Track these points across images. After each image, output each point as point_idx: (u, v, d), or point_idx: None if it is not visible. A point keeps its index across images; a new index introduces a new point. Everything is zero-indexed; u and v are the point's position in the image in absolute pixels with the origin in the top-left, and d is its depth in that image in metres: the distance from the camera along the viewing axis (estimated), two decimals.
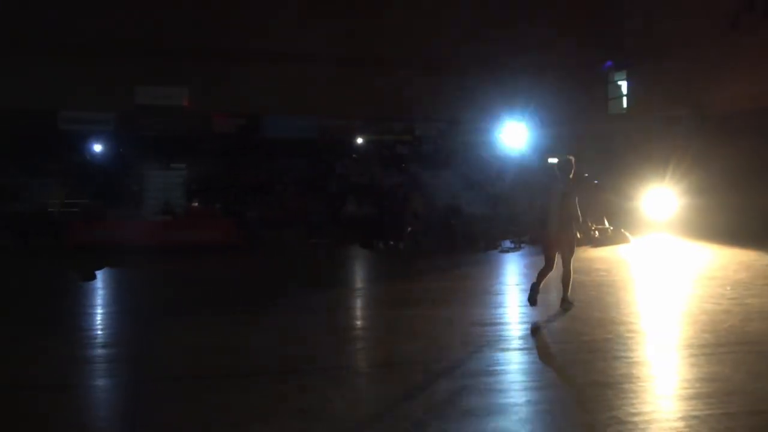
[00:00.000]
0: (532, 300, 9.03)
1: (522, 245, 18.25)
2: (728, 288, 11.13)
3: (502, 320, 9.13)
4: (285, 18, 23.69)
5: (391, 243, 18.55)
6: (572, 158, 9.18)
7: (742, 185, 19.77)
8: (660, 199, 18.98)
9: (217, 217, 19.91)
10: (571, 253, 9.08)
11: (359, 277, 14.80)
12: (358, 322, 9.66)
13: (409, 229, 18.92)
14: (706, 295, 10.51)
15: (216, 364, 6.82)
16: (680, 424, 5.04)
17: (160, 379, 6.42)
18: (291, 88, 23.45)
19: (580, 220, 9.13)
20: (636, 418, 5.15)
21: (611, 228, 19.20)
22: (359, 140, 26.26)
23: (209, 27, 23.13)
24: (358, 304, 11.15)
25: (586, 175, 24.10)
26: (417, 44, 24.56)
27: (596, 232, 19.21)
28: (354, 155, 26.16)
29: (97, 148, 24.66)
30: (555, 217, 8.94)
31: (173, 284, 12.71)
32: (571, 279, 9.15)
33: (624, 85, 26.82)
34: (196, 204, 21.31)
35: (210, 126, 24.65)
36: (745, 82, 19.40)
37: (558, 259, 9.07)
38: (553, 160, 25.08)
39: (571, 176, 9.13)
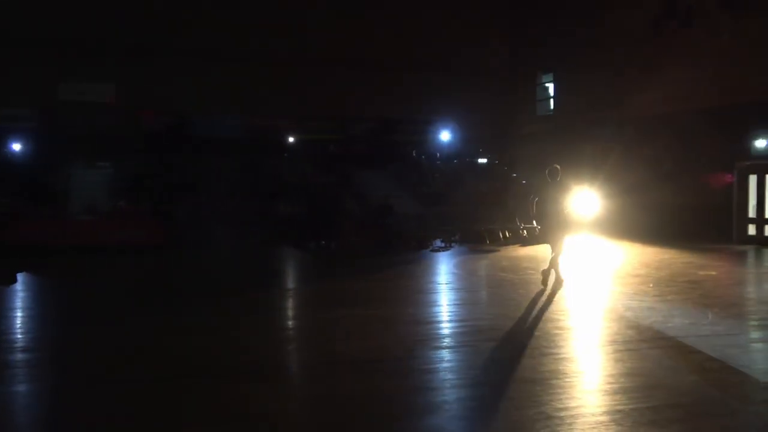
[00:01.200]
0: (545, 282, 11.05)
1: (453, 244, 18.46)
2: (651, 285, 11.51)
3: (434, 319, 9.20)
4: (214, 16, 23.37)
5: (323, 243, 18.50)
6: (558, 167, 11.04)
7: (662, 186, 20.46)
8: (586, 200, 19.43)
9: (143, 216, 19.46)
10: (562, 243, 10.95)
11: (291, 278, 14.70)
12: (290, 323, 9.59)
13: (342, 229, 18.90)
14: (630, 292, 10.83)
15: (141, 367, 6.68)
16: (605, 418, 5.17)
17: (83, 384, 6.24)
18: (221, 87, 23.12)
19: (565, 217, 10.93)
20: (563, 413, 5.26)
21: (539, 227, 19.57)
22: (291, 139, 26.08)
23: (138, 23, 22.63)
24: (290, 304, 11.07)
25: (515, 175, 24.60)
26: (348, 43, 24.56)
27: (525, 232, 19.60)
28: (285, 154, 25.95)
29: (17, 146, 23.77)
30: (548, 216, 10.91)
31: (98, 285, 12.38)
32: (559, 259, 11.00)
33: (551, 87, 27.37)
34: (123, 203, 20.79)
35: (137, 123, 24.06)
36: (665, 86, 20.04)
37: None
38: (482, 161, 25.53)
39: (558, 180, 10.98)
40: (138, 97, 22.82)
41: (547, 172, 11.24)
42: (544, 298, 10.41)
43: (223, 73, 23.16)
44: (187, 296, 11.01)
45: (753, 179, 18.68)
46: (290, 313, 10.38)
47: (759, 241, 18.21)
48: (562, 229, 11.05)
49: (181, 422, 5.22)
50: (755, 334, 8.39)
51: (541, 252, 16.81)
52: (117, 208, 20.01)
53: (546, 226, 11.41)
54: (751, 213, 18.76)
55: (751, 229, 18.69)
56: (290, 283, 13.93)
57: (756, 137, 18.12)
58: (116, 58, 22.29)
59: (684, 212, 19.59)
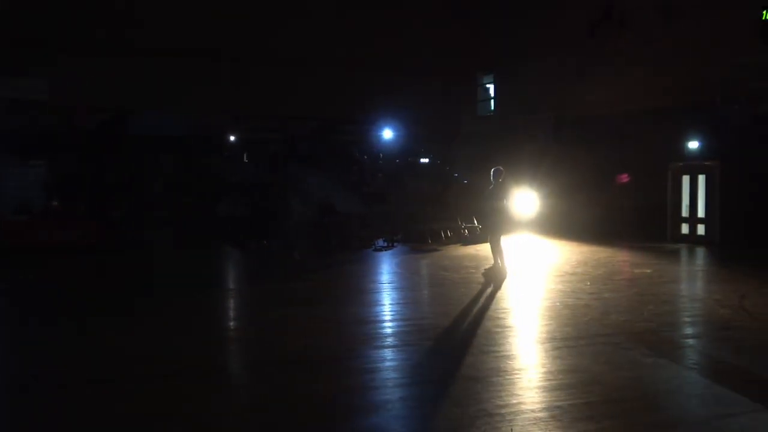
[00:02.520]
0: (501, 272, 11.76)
1: (395, 244, 18.51)
2: (588, 283, 11.75)
3: (376, 318, 9.21)
4: (154, 11, 22.95)
5: (265, 243, 18.35)
6: (502, 168, 11.79)
7: (598, 186, 20.90)
8: (526, 199, 19.69)
9: (77, 216, 18.99)
10: (501, 236, 11.85)
11: (232, 278, 14.54)
12: (232, 324, 9.48)
13: (284, 228, 18.77)
14: (568, 290, 11.03)
15: (77, 370, 6.52)
16: (544, 414, 5.25)
17: (16, 388, 6.06)
18: (161, 84, 22.74)
19: (506, 215, 11.93)
20: (503, 410, 5.33)
21: (480, 227, 19.81)
22: (232, 138, 25.79)
23: (74, 18, 22.07)
24: (231, 305, 10.95)
25: (456, 175, 24.83)
26: (291, 43, 24.41)
27: (466, 231, 19.78)
28: (227, 154, 25.66)
29: None
30: (491, 214, 11.76)
31: (28, 287, 12.04)
32: (503, 254, 11.85)
33: (492, 88, 27.68)
34: (56, 203, 20.25)
35: (72, 121, 23.46)
36: (602, 88, 20.47)
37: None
38: (424, 161, 25.65)
39: (500, 180, 11.74)
40: (74, 93, 22.26)
41: (491, 172, 11.89)
42: (484, 296, 10.52)
43: (163, 69, 22.78)
44: (124, 298, 10.78)
45: (686, 179, 19.22)
46: (231, 313, 10.26)
47: (692, 239, 18.75)
48: (504, 228, 11.90)
49: (120, 424, 5.10)
50: (688, 330, 8.63)
51: (481, 251, 17.00)
52: (50, 208, 19.50)
53: (489, 225, 12.09)
54: (684, 212, 19.31)
55: (685, 228, 19.23)
56: (231, 283, 13.78)
57: (689, 139, 18.64)
58: (50, 53, 21.71)
59: (620, 212, 20.05)
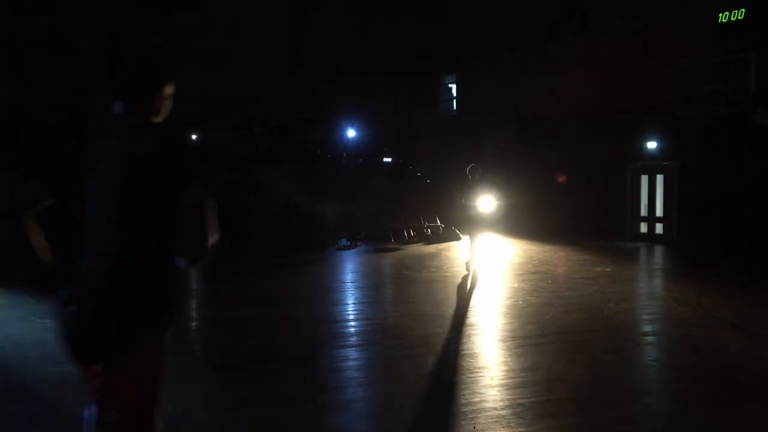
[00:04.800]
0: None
1: (358, 243, 18.48)
2: (549, 282, 11.85)
3: (339, 318, 9.18)
4: (113, 8, 22.63)
5: (227, 242, 18.17)
6: (478, 166, 12.21)
7: (558, 186, 21.12)
8: (487, 199, 19.83)
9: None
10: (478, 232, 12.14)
11: (191, 277, 14.36)
12: (192, 324, 9.36)
13: (245, 228, 18.64)
14: (530, 289, 11.11)
15: (38, 369, 6.38)
16: (507, 412, 5.26)
17: None
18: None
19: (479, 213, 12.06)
20: (466, 408, 5.33)
21: (443, 226, 19.88)
22: (193, 137, 25.52)
23: (26, 10, 21.66)
24: (192, 305, 10.81)
25: (419, 174, 24.87)
26: (253, 41, 24.24)
27: (429, 230, 19.84)
28: (187, 152, 25.34)
29: None
30: (465, 208, 11.95)
31: None
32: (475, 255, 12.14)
33: (454, 88, 27.81)
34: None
35: (26, 119, 23.00)
36: (562, 89, 20.67)
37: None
38: (387, 160, 25.64)
39: (477, 177, 12.09)
40: (29, 90, 21.83)
41: (468, 169, 12.31)
42: (447, 295, 10.54)
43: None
44: None
45: (645, 179, 19.50)
46: (192, 313, 10.14)
47: (650, 238, 19.03)
48: (478, 224, 12.21)
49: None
50: (647, 328, 8.74)
51: (444, 250, 17.07)
52: None
53: (465, 222, 12.46)
54: (643, 212, 19.59)
55: (643, 227, 19.51)
56: (191, 283, 13.60)
57: (647, 139, 18.92)
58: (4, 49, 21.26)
59: (580, 211, 20.28)
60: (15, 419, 5.24)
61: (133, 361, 2.59)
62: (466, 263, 12.54)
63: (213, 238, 2.66)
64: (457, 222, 12.73)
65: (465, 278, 11.89)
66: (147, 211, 2.55)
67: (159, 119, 2.78)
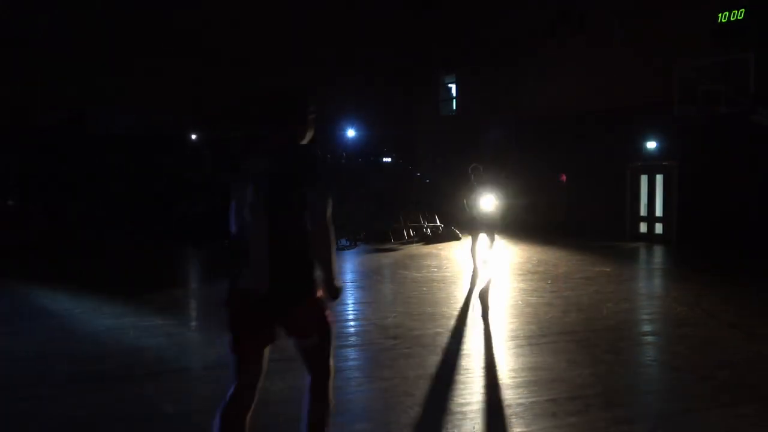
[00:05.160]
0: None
1: (358, 243, 18.48)
2: (549, 282, 11.86)
3: (338, 318, 9.17)
4: (115, 8, 22.64)
5: (225, 242, 18.14)
6: (480, 166, 11.91)
7: (558, 186, 21.13)
8: (490, 199, 19.83)
9: (33, 215, 18.61)
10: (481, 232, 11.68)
11: (191, 278, 14.38)
12: (193, 324, 9.37)
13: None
14: (529, 288, 11.13)
15: (33, 372, 6.39)
16: (507, 411, 5.27)
17: None
18: (120, 81, 22.42)
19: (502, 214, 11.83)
20: (466, 408, 5.34)
21: (442, 226, 19.89)
22: (192, 137, 25.49)
23: (30, 11, 21.67)
24: (191, 305, 10.83)
25: (418, 174, 24.87)
26: (252, 41, 24.25)
27: (428, 230, 19.84)
28: (187, 152, 25.36)
29: None
30: (472, 208, 11.63)
31: None
32: (476, 255, 11.71)
33: (454, 88, 27.81)
34: (11, 202, 19.83)
35: (27, 119, 22.99)
36: (562, 89, 20.68)
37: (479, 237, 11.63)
38: (387, 160, 25.66)
39: (480, 178, 11.73)
40: (29, 90, 21.84)
41: (470, 170, 12.06)
42: (446, 295, 10.56)
43: (123, 67, 22.47)
44: (80, 298, 10.58)
45: (644, 179, 19.51)
46: (191, 313, 10.15)
47: (650, 238, 19.03)
48: (482, 225, 11.82)
49: (84, 426, 5.01)
50: (646, 328, 8.75)
51: (443, 250, 17.07)
52: (4, 206, 19.10)
53: (468, 222, 12.07)
54: (643, 212, 19.59)
55: (643, 227, 19.52)
56: (191, 283, 13.62)
57: (647, 139, 18.92)
58: (4, 50, 21.26)
59: (579, 211, 20.30)
60: None
61: (305, 312, 3.68)
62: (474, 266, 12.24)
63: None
64: (461, 222, 12.47)
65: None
66: (289, 206, 3.52)
67: (304, 142, 3.73)
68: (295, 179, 3.52)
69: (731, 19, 16.33)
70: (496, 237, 12.12)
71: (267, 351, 3.80)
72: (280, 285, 3.53)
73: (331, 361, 3.84)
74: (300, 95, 3.83)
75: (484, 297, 9.62)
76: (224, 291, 3.65)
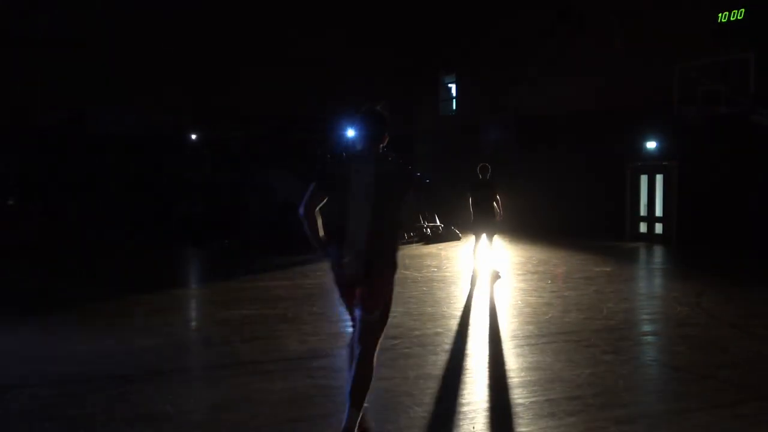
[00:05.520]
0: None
1: None
2: (549, 281, 11.86)
3: (338, 318, 9.17)
4: (113, 9, 22.64)
5: (226, 242, 18.18)
6: (488, 165, 12.24)
7: (558, 185, 21.12)
8: (496, 198, 19.83)
9: (34, 214, 18.63)
10: (494, 231, 12.16)
11: (192, 277, 14.38)
12: (193, 324, 9.37)
13: (244, 227, 18.64)
14: (529, 288, 11.12)
15: (36, 372, 6.38)
16: (506, 411, 5.27)
17: None
18: (119, 81, 22.44)
19: (499, 207, 11.98)
20: (466, 408, 5.34)
21: (442, 226, 19.88)
22: (193, 137, 25.52)
23: (32, 13, 21.66)
24: (192, 304, 10.82)
25: (419, 174, 24.85)
26: (251, 41, 24.25)
27: (428, 230, 19.82)
28: (188, 152, 25.38)
29: None
30: (480, 211, 11.90)
31: None
32: (477, 255, 11.98)
33: (454, 88, 27.81)
34: (12, 202, 19.84)
35: (27, 119, 23.00)
36: (562, 89, 20.67)
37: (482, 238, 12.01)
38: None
39: (488, 177, 12.11)
40: (30, 90, 21.84)
41: (478, 168, 12.24)
42: (446, 295, 10.55)
43: (123, 68, 22.48)
44: (80, 297, 10.58)
45: (644, 179, 19.50)
46: (192, 313, 10.15)
47: (649, 238, 19.03)
48: (487, 225, 12.01)
49: (89, 426, 5.00)
50: (647, 327, 8.75)
51: (443, 250, 17.07)
52: (5, 205, 19.13)
53: (473, 222, 12.14)
54: (643, 211, 19.59)
55: (643, 227, 19.52)
56: (191, 282, 13.62)
57: (647, 139, 18.92)
58: (5, 50, 21.26)
59: (579, 211, 20.28)
60: None
61: (381, 284, 4.48)
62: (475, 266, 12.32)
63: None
64: (467, 221, 12.46)
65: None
66: (387, 203, 4.40)
67: (386, 151, 4.63)
68: (395, 179, 4.46)
69: (731, 19, 16.32)
70: (496, 237, 12.20)
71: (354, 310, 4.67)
72: (370, 262, 4.38)
73: (381, 339, 4.72)
74: (387, 114, 4.69)
75: (493, 275, 11.25)
76: (330, 259, 4.58)
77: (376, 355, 4.63)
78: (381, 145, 4.62)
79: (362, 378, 4.52)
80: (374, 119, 4.63)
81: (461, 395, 5.66)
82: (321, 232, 4.59)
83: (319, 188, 4.54)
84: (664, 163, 18.73)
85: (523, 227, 20.08)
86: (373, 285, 4.43)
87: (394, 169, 4.53)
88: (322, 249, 4.63)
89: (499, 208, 12.06)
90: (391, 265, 4.51)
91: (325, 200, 4.54)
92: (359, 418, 4.48)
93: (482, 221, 12.03)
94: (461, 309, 9.41)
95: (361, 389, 4.49)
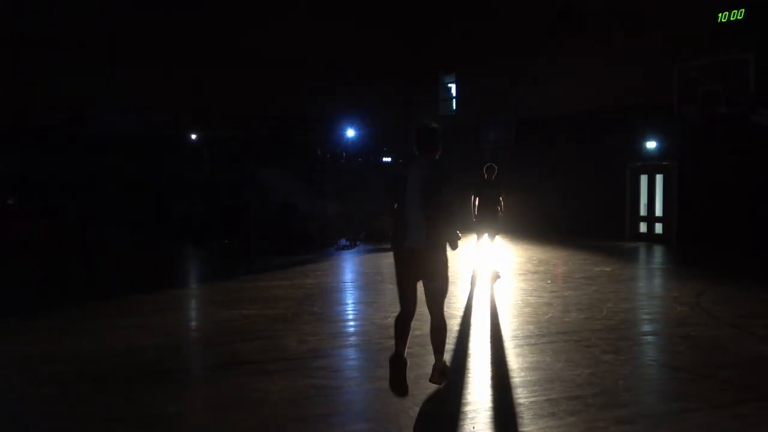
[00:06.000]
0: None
1: (358, 243, 18.47)
2: (549, 281, 11.86)
3: (339, 317, 9.18)
4: (112, 9, 22.63)
5: (226, 242, 18.18)
6: (494, 165, 12.23)
7: (558, 185, 21.12)
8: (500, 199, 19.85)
9: (33, 214, 18.61)
10: (496, 232, 12.31)
11: (191, 277, 14.38)
12: (192, 323, 9.37)
13: (244, 227, 18.63)
14: (529, 288, 11.12)
15: (36, 371, 6.38)
16: (506, 411, 5.27)
17: None
18: (119, 81, 22.43)
19: (501, 209, 12.10)
20: (465, 408, 5.34)
21: (476, 221, 19.84)
22: (193, 137, 25.49)
23: (31, 13, 21.67)
24: (191, 304, 10.82)
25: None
26: (251, 41, 24.24)
27: None
28: (187, 152, 25.35)
29: None
30: (484, 210, 11.95)
31: None
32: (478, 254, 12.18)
33: (453, 88, 27.80)
34: (11, 202, 19.82)
35: (27, 118, 22.97)
36: (562, 89, 20.67)
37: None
38: (387, 160, 25.67)
39: (493, 178, 12.07)
40: (28, 90, 21.83)
41: (484, 168, 12.18)
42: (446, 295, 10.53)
43: (122, 68, 22.47)
44: (80, 297, 10.58)
45: (644, 179, 19.51)
46: (191, 313, 10.14)
47: (649, 238, 19.04)
48: (495, 219, 12.11)
49: (89, 426, 5.00)
50: (646, 327, 8.75)
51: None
52: (5, 205, 19.11)
53: (481, 221, 12.13)
54: (643, 211, 19.59)
55: (643, 227, 19.53)
56: (191, 282, 13.61)
57: (647, 139, 18.92)
58: (5, 50, 21.25)
59: (579, 211, 20.28)
60: None
61: (436, 257, 5.62)
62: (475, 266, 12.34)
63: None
64: (468, 221, 12.46)
65: (492, 278, 11.93)
66: (435, 198, 5.51)
67: (436, 158, 5.74)
68: (438, 179, 5.54)
69: (731, 19, 16.33)
70: (497, 237, 12.21)
71: (417, 286, 5.75)
72: (427, 243, 5.53)
73: (444, 302, 5.88)
74: (440, 130, 5.84)
75: (493, 275, 11.44)
76: (392, 246, 5.75)
77: (443, 317, 5.86)
78: (436, 154, 5.74)
79: (439, 331, 5.83)
80: (429, 134, 5.76)
81: (461, 395, 5.66)
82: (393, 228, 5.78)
83: (387, 191, 5.88)
84: (664, 163, 18.74)
85: (523, 227, 20.09)
86: (430, 258, 5.53)
87: (436, 170, 5.60)
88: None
89: (501, 207, 12.12)
90: (442, 243, 5.59)
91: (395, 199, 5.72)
92: (443, 362, 5.85)
93: (485, 221, 12.04)
94: (461, 309, 9.41)
95: (440, 340, 5.83)
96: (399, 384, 5.48)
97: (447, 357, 6.85)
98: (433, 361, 5.88)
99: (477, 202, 12.06)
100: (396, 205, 5.72)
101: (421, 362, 6.63)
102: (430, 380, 5.76)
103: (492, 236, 12.26)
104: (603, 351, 7.13)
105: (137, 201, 20.59)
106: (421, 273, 5.64)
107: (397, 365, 5.52)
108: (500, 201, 12.13)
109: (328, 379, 6.23)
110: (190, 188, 21.60)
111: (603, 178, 19.98)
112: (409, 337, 5.72)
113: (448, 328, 8.02)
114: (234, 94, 23.89)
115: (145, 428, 5.01)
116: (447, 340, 7.44)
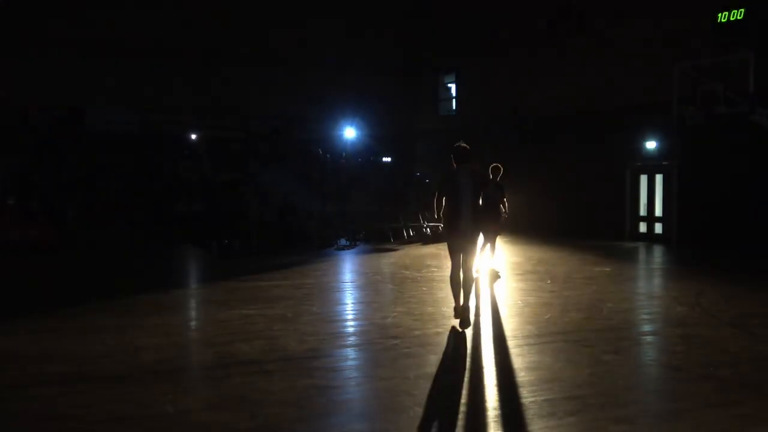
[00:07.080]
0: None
1: (357, 243, 18.48)
2: (548, 281, 11.86)
3: (338, 317, 9.18)
4: (111, 6, 22.62)
5: (225, 242, 18.17)
6: (500, 165, 12.27)
7: (558, 185, 21.12)
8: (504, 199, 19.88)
9: (32, 215, 18.58)
10: (495, 237, 12.37)
11: (191, 277, 14.37)
12: (191, 323, 9.36)
13: (244, 227, 18.63)
14: (528, 288, 11.13)
15: (37, 371, 6.38)
16: (506, 411, 5.27)
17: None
18: (117, 80, 22.42)
19: (505, 211, 12.30)
20: (466, 408, 5.34)
21: (442, 226, 19.85)
22: (192, 137, 25.47)
23: (27, 12, 21.66)
24: (191, 304, 10.81)
25: (418, 174, 24.87)
26: (251, 40, 24.24)
27: (428, 230, 19.84)
28: (186, 152, 25.34)
29: None
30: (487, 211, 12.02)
31: None
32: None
33: (453, 87, 27.80)
34: (11, 202, 19.80)
35: (26, 118, 22.95)
36: (562, 89, 20.67)
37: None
38: (387, 160, 25.63)
39: (498, 178, 12.10)
40: (27, 90, 21.81)
41: (490, 169, 12.08)
42: (446, 295, 10.53)
43: (121, 67, 22.46)
44: (80, 297, 10.58)
45: (644, 179, 19.51)
46: (191, 313, 10.14)
47: (649, 238, 19.04)
48: (497, 224, 12.04)
49: (89, 426, 5.00)
50: (646, 327, 8.75)
51: (443, 250, 17.03)
52: (4, 206, 19.08)
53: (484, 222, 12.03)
54: (642, 211, 19.60)
55: (642, 227, 19.53)
56: (190, 282, 13.61)
57: (647, 139, 18.92)
58: (5, 50, 21.23)
59: (579, 211, 20.29)
60: None
61: (476, 239, 8.22)
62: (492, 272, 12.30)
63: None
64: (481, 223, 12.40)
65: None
66: (479, 195, 7.90)
67: (476, 168, 8.10)
68: (479, 183, 7.92)
69: (731, 19, 16.34)
70: (497, 238, 12.19)
71: (461, 255, 7.97)
72: (471, 227, 7.87)
73: (475, 260, 8.50)
74: (470, 149, 8.11)
75: (492, 275, 11.77)
76: (444, 230, 8.27)
77: (473, 269, 8.24)
78: (470, 166, 7.97)
79: (468, 282, 7.99)
80: (464, 152, 8.06)
81: (461, 395, 5.66)
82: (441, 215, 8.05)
83: (440, 191, 8.00)
84: (664, 163, 18.74)
85: (523, 227, 20.08)
86: (473, 238, 8.01)
87: (475, 177, 7.94)
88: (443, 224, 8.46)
89: (504, 208, 12.09)
90: (479, 229, 8.22)
91: (444, 198, 7.93)
92: (467, 302, 8.00)
93: (487, 221, 11.96)
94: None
95: (468, 288, 8.00)
96: (463, 322, 7.91)
97: (447, 357, 6.87)
98: (433, 362, 5.92)
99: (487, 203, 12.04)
100: (445, 201, 7.89)
101: (421, 362, 6.64)
102: (454, 316, 8.17)
103: (493, 237, 12.11)
104: (603, 351, 7.13)
105: (137, 201, 20.57)
106: (463, 247, 7.91)
107: (459, 311, 8.03)
108: (504, 203, 12.09)
109: (328, 379, 6.23)
110: (189, 188, 21.58)
111: (603, 178, 19.98)
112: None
113: (447, 328, 8.13)
114: (234, 94, 23.88)
115: (145, 428, 5.01)
116: (447, 341, 7.51)
